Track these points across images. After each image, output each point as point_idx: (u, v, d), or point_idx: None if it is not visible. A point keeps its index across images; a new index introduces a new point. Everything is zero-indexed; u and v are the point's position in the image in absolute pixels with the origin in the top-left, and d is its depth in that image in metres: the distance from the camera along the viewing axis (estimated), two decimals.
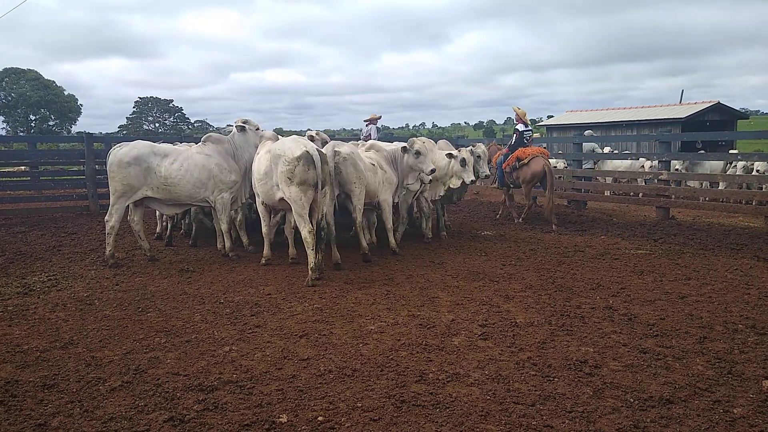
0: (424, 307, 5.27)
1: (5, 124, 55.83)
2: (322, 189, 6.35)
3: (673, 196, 10.88)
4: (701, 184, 13.52)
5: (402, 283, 6.15)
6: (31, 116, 56.56)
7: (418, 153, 7.57)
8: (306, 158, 6.15)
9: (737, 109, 25.45)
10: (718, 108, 22.32)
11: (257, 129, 7.78)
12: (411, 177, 7.91)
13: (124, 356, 4.13)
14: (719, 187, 12.86)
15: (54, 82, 57.54)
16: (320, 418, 3.20)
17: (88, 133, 12.75)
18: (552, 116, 35.03)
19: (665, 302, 5.37)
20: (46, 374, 3.81)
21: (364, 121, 13.81)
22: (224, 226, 7.44)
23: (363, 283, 6.16)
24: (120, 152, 7.00)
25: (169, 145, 7.57)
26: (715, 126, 22.45)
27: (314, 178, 6.22)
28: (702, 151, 16.95)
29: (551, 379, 3.69)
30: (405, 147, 7.70)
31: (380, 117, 13.89)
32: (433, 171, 7.57)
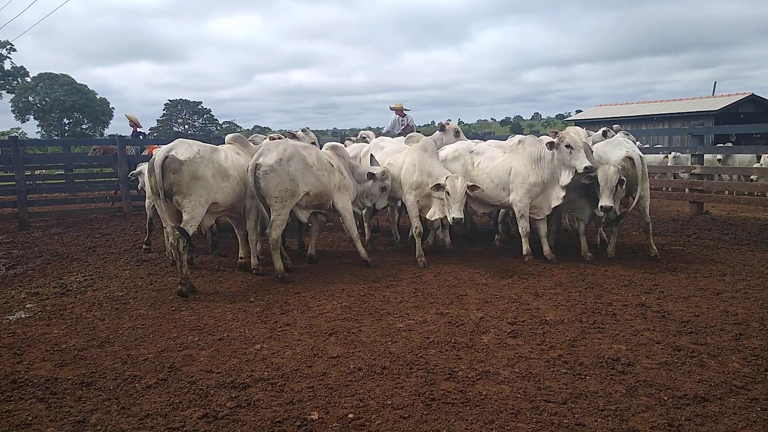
0: (453, 304, 5.26)
1: (40, 128, 57.24)
2: (166, 199, 5.67)
3: (707, 191, 10.65)
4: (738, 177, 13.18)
5: (430, 281, 6.14)
6: (64, 120, 57.84)
7: (569, 147, 6.39)
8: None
9: None
10: (753, 100, 21.75)
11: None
12: (566, 174, 6.57)
13: (158, 354, 4.22)
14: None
15: (86, 86, 58.68)
16: (351, 416, 3.22)
17: (121, 135, 13.04)
18: (581, 111, 34.48)
19: (699, 299, 5.27)
20: (84, 372, 3.92)
21: (391, 108, 11.98)
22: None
23: (391, 281, 6.17)
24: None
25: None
26: (750, 118, 21.86)
27: (153, 187, 5.73)
28: (729, 144, 16.46)
29: (583, 377, 3.65)
30: (551, 142, 6.57)
31: (408, 110, 11.90)
32: (589, 170, 6.28)
